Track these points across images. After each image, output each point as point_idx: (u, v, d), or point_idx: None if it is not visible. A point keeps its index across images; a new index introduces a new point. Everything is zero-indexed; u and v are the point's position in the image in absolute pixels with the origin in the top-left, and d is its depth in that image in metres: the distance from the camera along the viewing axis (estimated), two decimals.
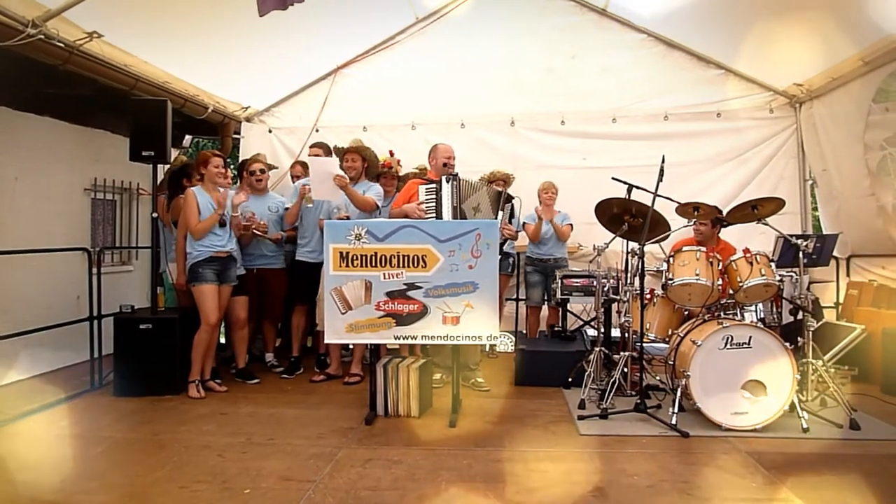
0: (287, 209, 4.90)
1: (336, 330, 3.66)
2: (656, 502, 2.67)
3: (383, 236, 3.60)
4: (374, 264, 3.59)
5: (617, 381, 3.91)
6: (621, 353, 4.11)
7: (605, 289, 4.44)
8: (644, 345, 3.94)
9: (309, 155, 5.18)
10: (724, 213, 4.24)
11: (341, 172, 4.44)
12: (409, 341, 3.76)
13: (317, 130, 6.17)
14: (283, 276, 5.00)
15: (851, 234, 5.33)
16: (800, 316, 3.91)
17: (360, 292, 3.61)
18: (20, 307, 4.61)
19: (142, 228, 6.17)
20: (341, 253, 3.61)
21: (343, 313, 3.63)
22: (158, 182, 4.66)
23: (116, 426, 3.65)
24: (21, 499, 2.70)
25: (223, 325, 4.65)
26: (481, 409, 4.01)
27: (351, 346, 5.00)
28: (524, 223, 5.28)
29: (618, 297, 4.32)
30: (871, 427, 3.57)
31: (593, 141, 5.97)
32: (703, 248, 3.95)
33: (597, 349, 4.28)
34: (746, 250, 3.84)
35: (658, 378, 4.23)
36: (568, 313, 5.21)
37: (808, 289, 4.04)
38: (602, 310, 4.46)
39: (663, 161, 3.79)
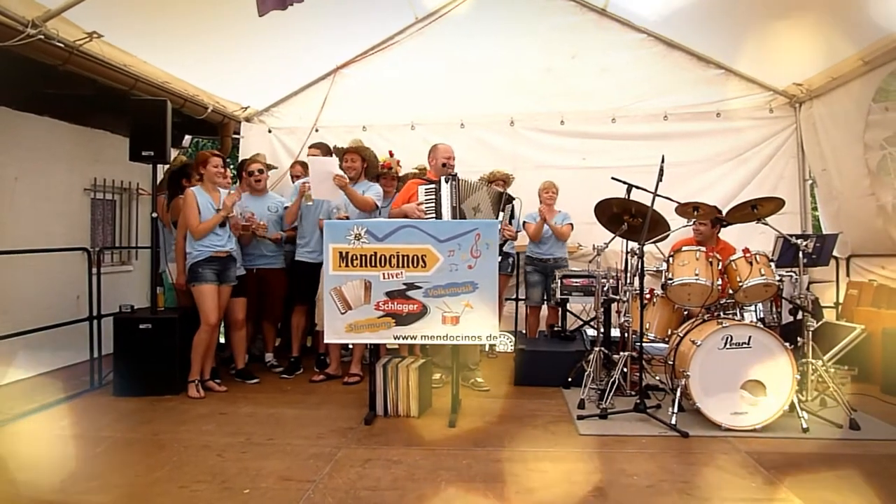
0: (287, 208, 4.91)
1: (335, 330, 3.66)
2: (656, 502, 2.67)
3: (383, 236, 3.60)
4: (373, 264, 3.60)
5: (616, 381, 3.92)
6: (621, 353, 4.11)
7: (605, 289, 4.44)
8: (644, 345, 3.94)
9: (308, 155, 5.18)
10: (724, 212, 4.24)
11: (341, 172, 4.44)
12: (409, 341, 3.76)
13: (316, 130, 6.17)
14: (283, 276, 5.01)
15: (851, 234, 5.33)
16: (799, 316, 3.91)
17: (360, 292, 3.61)
18: (20, 307, 4.61)
19: (141, 228, 6.17)
20: (341, 253, 3.61)
21: (343, 313, 3.63)
22: (158, 182, 4.67)
23: (116, 426, 3.65)
24: (21, 499, 2.70)
25: (223, 325, 4.65)
26: (481, 409, 4.01)
27: (350, 346, 5.00)
28: (524, 222, 5.28)
29: (617, 297, 4.32)
30: (870, 427, 3.57)
31: (593, 141, 5.97)
32: (703, 248, 3.94)
33: (596, 349, 4.28)
34: (746, 250, 3.84)
35: (658, 378, 4.23)
36: (567, 313, 5.21)
37: (807, 289, 4.04)
38: (602, 310, 4.47)
39: (663, 161, 3.79)
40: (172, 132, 4.46)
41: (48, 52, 3.96)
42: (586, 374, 4.17)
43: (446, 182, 4.06)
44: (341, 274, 3.62)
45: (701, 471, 2.99)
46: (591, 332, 5.04)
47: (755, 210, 3.85)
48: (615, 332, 4.56)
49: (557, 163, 5.88)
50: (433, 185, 4.13)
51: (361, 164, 4.77)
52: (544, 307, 5.49)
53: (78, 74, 4.31)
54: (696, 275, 3.78)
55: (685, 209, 4.06)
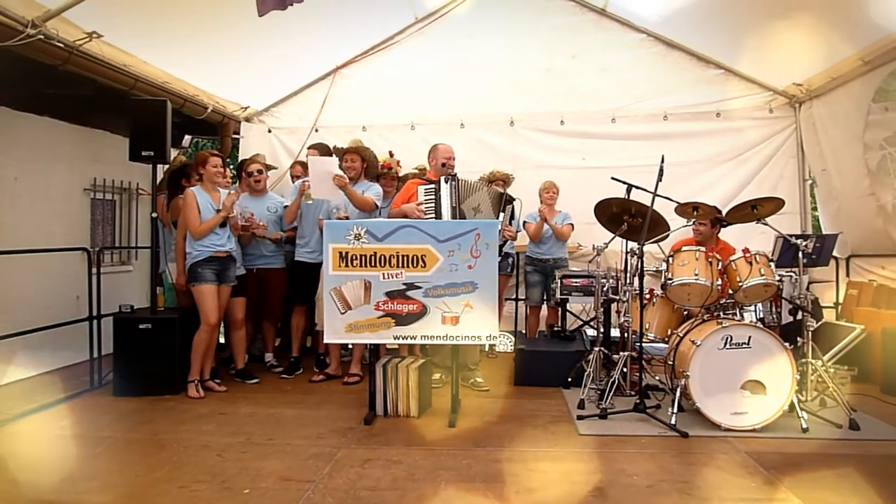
0: (286, 207, 4.91)
1: (335, 330, 3.66)
2: (656, 502, 2.67)
3: (383, 236, 3.60)
4: (373, 264, 3.60)
5: (616, 381, 3.92)
6: (621, 353, 4.11)
7: (605, 289, 4.44)
8: (643, 345, 3.94)
9: (307, 156, 5.18)
10: (724, 212, 4.24)
11: (340, 172, 4.44)
12: (409, 341, 3.76)
13: (316, 130, 6.17)
14: (283, 275, 5.01)
15: (851, 234, 5.33)
16: (799, 316, 3.92)
17: (360, 292, 3.61)
18: (20, 307, 4.61)
19: (141, 228, 6.18)
20: (341, 253, 3.61)
21: (342, 313, 3.63)
22: (158, 182, 4.67)
23: (116, 426, 3.65)
24: (21, 499, 2.70)
25: (222, 325, 4.65)
26: (481, 409, 4.02)
27: (350, 346, 5.00)
28: (524, 222, 5.28)
29: (617, 297, 4.32)
30: (870, 427, 3.57)
31: (593, 141, 5.97)
32: (703, 248, 3.94)
33: (596, 349, 4.28)
34: (746, 250, 3.84)
35: (657, 378, 4.24)
36: (567, 313, 5.21)
37: (807, 289, 4.04)
38: (601, 310, 4.47)
39: (663, 161, 3.80)
40: (172, 132, 4.46)
41: (48, 52, 3.96)
42: (586, 374, 4.18)
43: (446, 182, 4.06)
44: (341, 274, 3.62)
45: (701, 471, 2.99)
46: (590, 332, 5.04)
47: (755, 210, 3.85)
48: (615, 332, 4.56)
49: (557, 163, 5.87)
50: (433, 185, 4.12)
51: (361, 164, 4.77)
52: (544, 307, 5.49)
53: (78, 74, 4.31)
54: (696, 275, 3.78)
55: (685, 209, 4.06)
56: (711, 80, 5.86)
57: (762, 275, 3.73)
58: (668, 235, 4.16)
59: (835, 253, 5.12)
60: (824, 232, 5.54)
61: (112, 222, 6.00)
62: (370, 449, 3.27)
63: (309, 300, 4.99)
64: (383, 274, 3.60)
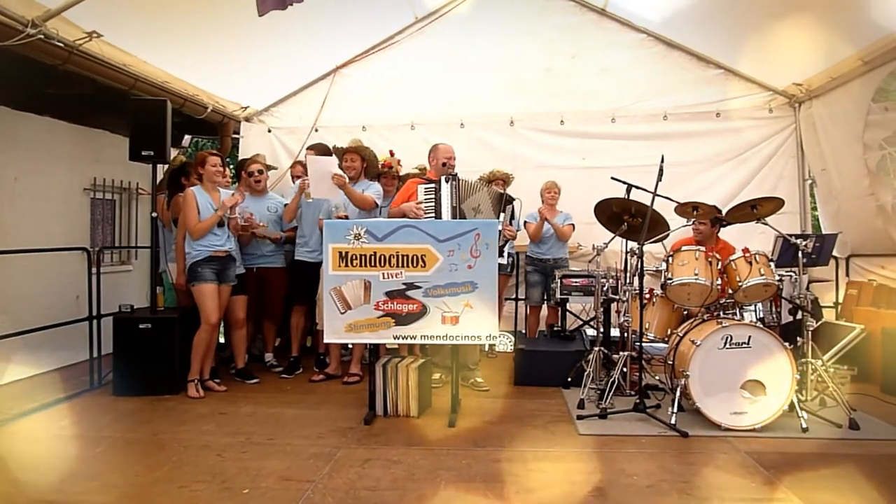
0: (286, 206, 4.91)
1: (335, 330, 3.66)
2: (656, 502, 2.67)
3: (382, 236, 3.60)
4: (373, 264, 3.60)
5: (616, 381, 3.92)
6: (620, 353, 4.11)
7: (605, 288, 4.44)
8: (643, 344, 3.94)
9: (305, 156, 5.18)
10: (724, 212, 4.24)
11: (340, 171, 4.44)
12: (409, 341, 3.76)
13: (316, 130, 6.18)
14: (283, 275, 5.01)
15: (851, 234, 5.33)
16: (799, 315, 3.92)
17: (360, 292, 3.61)
18: (20, 307, 4.61)
19: (141, 228, 6.17)
20: (340, 253, 3.61)
21: (342, 313, 3.63)
22: (158, 181, 4.66)
23: (116, 426, 3.65)
24: (21, 499, 2.70)
25: (222, 324, 4.65)
26: (480, 408, 4.02)
27: (350, 346, 5.00)
28: (525, 222, 5.28)
29: (617, 297, 4.33)
30: (870, 427, 3.57)
31: (593, 141, 5.97)
32: (703, 248, 3.95)
33: (596, 349, 4.28)
34: (746, 250, 3.84)
35: (657, 378, 4.24)
36: (567, 313, 5.21)
37: (807, 288, 4.04)
38: (601, 309, 4.47)
39: (662, 161, 3.80)
40: (172, 132, 4.45)
41: (48, 51, 3.96)
42: (586, 373, 4.18)
43: (446, 182, 4.06)
44: (341, 274, 3.62)
45: (701, 471, 2.99)
46: (590, 331, 5.04)
47: (755, 210, 3.85)
48: (615, 332, 4.56)
49: (557, 163, 5.87)
50: (433, 185, 4.12)
51: (361, 163, 4.78)
52: (544, 307, 5.49)
53: (78, 74, 4.31)
54: (696, 275, 3.78)
55: (685, 209, 4.06)
56: (711, 80, 5.86)
57: (762, 274, 3.73)
58: (667, 235, 4.16)
59: (834, 253, 5.12)
60: (824, 232, 5.54)
61: (112, 222, 6.00)
62: (370, 449, 3.27)
63: (309, 300, 4.99)
64: (383, 274, 3.60)
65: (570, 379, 4.47)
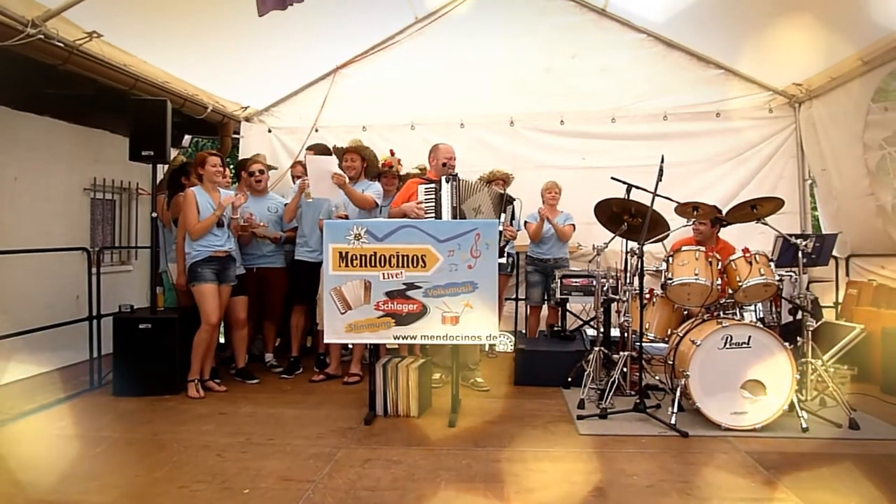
0: (286, 206, 4.91)
1: (335, 330, 3.66)
2: (656, 502, 2.67)
3: (383, 236, 3.60)
4: (373, 264, 3.60)
5: (616, 381, 3.92)
6: (621, 353, 4.11)
7: (605, 288, 4.44)
8: (643, 344, 3.94)
9: (304, 157, 5.18)
10: (724, 212, 4.24)
11: (339, 171, 4.44)
12: (409, 341, 3.76)
13: (316, 130, 6.18)
14: (284, 275, 5.01)
15: (851, 234, 5.33)
16: (799, 315, 3.92)
17: (360, 292, 3.61)
18: (20, 307, 4.61)
19: (141, 228, 6.17)
20: (341, 253, 3.61)
21: (342, 313, 3.63)
22: (158, 181, 4.66)
23: (116, 426, 3.65)
24: (21, 499, 2.70)
25: (223, 324, 4.65)
26: (481, 408, 4.02)
27: (350, 346, 5.00)
28: (525, 222, 5.28)
29: (617, 297, 4.32)
30: (870, 427, 3.57)
31: (593, 141, 5.97)
32: (703, 248, 3.95)
33: (596, 349, 4.28)
34: (746, 250, 3.84)
35: (657, 378, 4.24)
36: (567, 313, 5.21)
37: (807, 288, 4.04)
38: (601, 309, 4.47)
39: (662, 161, 3.80)
40: (172, 132, 4.46)
41: (48, 51, 3.95)
42: (586, 374, 4.18)
43: (447, 182, 4.06)
44: (341, 274, 3.62)
45: (701, 471, 2.99)
46: (590, 331, 5.04)
47: (755, 210, 3.85)
48: (615, 332, 4.56)
49: (557, 163, 5.88)
50: (433, 185, 4.12)
51: (361, 163, 4.78)
52: (545, 307, 5.49)
53: (78, 74, 4.31)
54: (696, 275, 3.79)
55: (685, 209, 4.06)
56: (711, 80, 5.86)
57: (762, 274, 3.73)
58: (667, 235, 4.16)
59: (834, 253, 5.12)
60: (824, 232, 5.54)
61: (112, 222, 6.00)
62: (370, 449, 3.27)
63: (309, 300, 4.99)
64: (383, 274, 3.60)
65: (570, 379, 4.47)
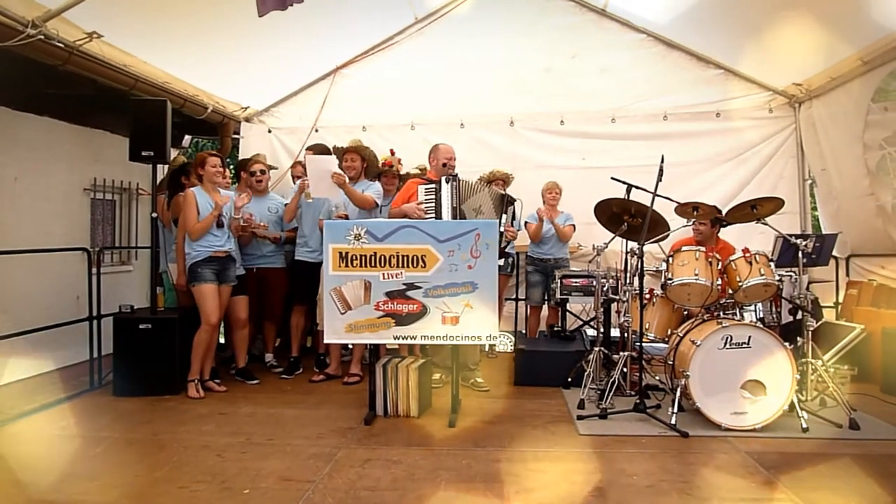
0: (286, 206, 4.91)
1: (335, 330, 3.66)
2: (656, 502, 2.67)
3: (383, 236, 3.60)
4: (373, 264, 3.60)
5: (616, 381, 3.92)
6: (621, 353, 4.11)
7: (605, 289, 4.44)
8: (643, 345, 3.94)
9: (304, 157, 5.18)
10: (724, 212, 4.24)
11: (339, 171, 4.44)
12: (409, 341, 3.77)
13: (316, 130, 6.18)
14: (284, 275, 5.01)
15: (851, 234, 5.33)
16: (799, 315, 3.92)
17: (360, 292, 3.61)
18: (20, 307, 4.61)
19: (141, 228, 6.17)
20: (341, 253, 3.61)
21: (342, 313, 3.63)
22: (158, 182, 4.66)
23: (115, 426, 3.65)
24: (20, 499, 2.70)
25: (223, 324, 4.65)
26: (481, 409, 4.02)
27: (350, 346, 5.00)
28: (525, 222, 5.28)
29: (617, 297, 4.32)
30: (870, 427, 3.57)
31: (593, 141, 5.97)
32: (703, 248, 3.95)
33: (596, 349, 4.28)
34: (746, 250, 3.84)
35: (657, 378, 4.24)
36: (567, 313, 5.21)
37: (807, 288, 4.04)
38: (601, 310, 4.47)
39: (662, 161, 3.80)
40: (172, 132, 4.46)
41: (48, 52, 3.96)
42: (586, 374, 4.18)
43: (447, 182, 4.06)
44: (341, 274, 3.62)
45: (701, 471, 2.99)
46: (590, 332, 5.04)
47: (755, 210, 3.85)
48: (615, 332, 4.56)
49: (557, 163, 5.88)
50: (433, 185, 4.12)
51: (361, 163, 4.78)
52: (545, 307, 5.49)
53: (78, 74, 4.31)
54: (696, 275, 3.78)
55: (685, 209, 4.06)
56: (711, 80, 5.86)
57: (762, 275, 3.73)
58: (668, 235, 4.16)
59: (834, 253, 5.12)
60: (824, 232, 5.54)
61: (112, 222, 6.00)
62: (370, 449, 3.27)
63: (309, 300, 4.99)
64: (383, 274, 3.60)
65: (570, 379, 4.47)
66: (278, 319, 5.21)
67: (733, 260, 3.85)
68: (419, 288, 3.58)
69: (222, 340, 5.01)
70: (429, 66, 6.01)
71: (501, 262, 4.24)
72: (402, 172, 5.29)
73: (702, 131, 5.86)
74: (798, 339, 3.82)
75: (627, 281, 4.15)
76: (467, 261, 3.55)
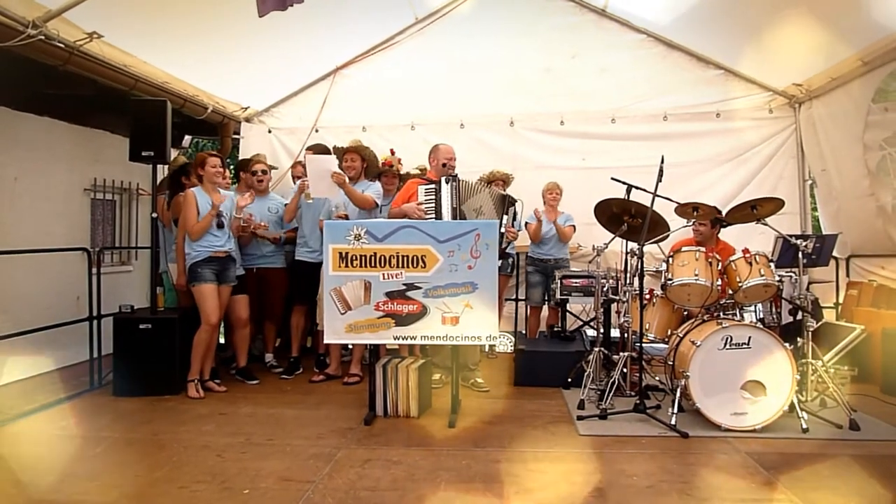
0: (287, 206, 4.91)
1: (335, 330, 3.66)
2: (656, 502, 2.67)
3: (383, 237, 3.60)
4: (373, 264, 3.60)
5: (616, 382, 3.92)
6: (621, 354, 4.11)
7: (605, 289, 4.44)
8: (643, 345, 3.94)
9: (304, 157, 5.18)
10: (724, 213, 4.24)
11: (339, 170, 4.44)
12: (409, 342, 3.77)
13: (316, 131, 6.18)
14: (284, 275, 5.01)
15: (851, 234, 5.33)
16: (799, 316, 3.92)
17: (360, 292, 3.61)
18: (20, 307, 4.61)
19: (141, 228, 6.18)
20: (341, 253, 3.61)
21: (342, 313, 3.63)
22: (158, 182, 4.67)
23: (116, 426, 3.65)
24: (20, 499, 2.70)
25: (223, 325, 4.65)
26: (480, 409, 4.01)
27: (350, 347, 5.00)
28: (525, 223, 5.28)
29: (617, 298, 4.32)
30: (870, 427, 3.57)
31: (593, 141, 5.97)
32: (703, 249, 3.94)
33: (596, 349, 4.28)
34: (746, 250, 3.84)
35: (657, 378, 4.24)
36: (567, 313, 5.21)
37: (807, 289, 4.04)
38: (601, 310, 4.47)
39: (662, 161, 3.80)
40: (172, 132, 4.46)
41: (48, 52, 3.96)
42: (586, 374, 4.18)
43: (447, 183, 4.06)
44: (341, 274, 3.62)
45: (701, 471, 2.99)
46: (590, 332, 5.04)
47: (755, 210, 3.85)
48: (615, 333, 4.56)
49: (557, 163, 5.87)
50: (433, 186, 4.12)
51: (361, 163, 4.78)
52: (545, 307, 5.49)
53: (78, 75, 4.31)
54: (696, 275, 3.78)
55: (685, 209, 4.06)
56: (711, 80, 5.86)
57: (762, 275, 3.73)
58: (668, 236, 4.16)
59: (835, 253, 5.12)
60: (824, 232, 5.54)
61: (112, 222, 6.00)
62: (370, 449, 3.27)
63: (309, 300, 4.99)
64: (383, 274, 3.60)
65: (570, 379, 4.47)
66: (278, 319, 5.21)
67: (733, 260, 3.85)
68: (419, 288, 3.58)
69: (222, 340, 5.01)
70: (429, 67, 6.01)
71: (500, 262, 4.23)
72: (402, 172, 5.29)
73: (702, 132, 5.86)
74: (798, 339, 3.82)
75: (627, 281, 4.15)
76: (467, 261, 3.55)
